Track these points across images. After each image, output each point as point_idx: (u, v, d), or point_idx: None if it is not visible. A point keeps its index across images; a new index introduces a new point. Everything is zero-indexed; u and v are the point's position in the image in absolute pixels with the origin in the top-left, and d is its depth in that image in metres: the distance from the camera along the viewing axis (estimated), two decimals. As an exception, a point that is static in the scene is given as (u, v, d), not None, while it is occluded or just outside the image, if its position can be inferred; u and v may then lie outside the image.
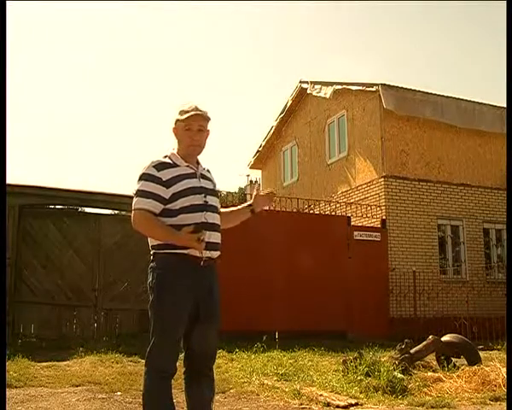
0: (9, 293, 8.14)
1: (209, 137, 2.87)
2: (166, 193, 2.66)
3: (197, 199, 2.70)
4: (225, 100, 58.12)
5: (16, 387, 5.09)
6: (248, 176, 18.41)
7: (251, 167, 17.86)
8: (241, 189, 24.38)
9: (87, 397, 4.75)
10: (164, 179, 2.66)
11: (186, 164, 2.77)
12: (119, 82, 58.05)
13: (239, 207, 3.11)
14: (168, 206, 2.66)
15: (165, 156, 2.78)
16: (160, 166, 2.70)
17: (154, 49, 56.54)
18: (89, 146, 54.30)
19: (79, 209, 10.71)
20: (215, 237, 2.76)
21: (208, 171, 2.94)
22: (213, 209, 2.78)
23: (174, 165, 2.74)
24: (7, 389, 4.47)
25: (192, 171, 2.77)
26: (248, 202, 3.06)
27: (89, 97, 54.34)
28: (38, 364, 6.28)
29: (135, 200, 2.68)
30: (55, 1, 47.13)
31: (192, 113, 2.73)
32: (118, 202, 9.39)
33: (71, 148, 52.75)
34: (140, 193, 2.67)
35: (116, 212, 10.57)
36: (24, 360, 6.28)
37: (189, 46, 59.27)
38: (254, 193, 3.04)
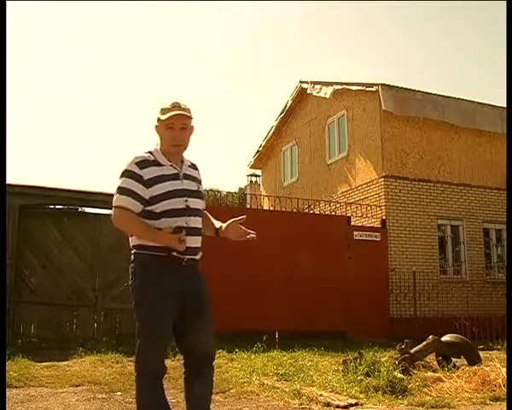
0: (9, 293, 8.14)
1: (193, 133, 2.80)
2: (146, 193, 2.62)
3: (178, 203, 2.65)
4: (225, 100, 58.17)
5: (16, 387, 5.08)
6: (249, 176, 18.39)
7: (251, 167, 17.87)
8: (241, 189, 24.35)
9: (87, 397, 4.74)
10: (145, 178, 2.63)
11: (170, 163, 2.72)
12: (119, 81, 58.09)
13: (213, 221, 2.95)
14: (149, 208, 2.63)
15: (149, 152, 2.73)
16: (143, 163, 2.66)
17: (154, 49, 56.59)
18: (89, 146, 54.34)
19: (79, 209, 10.70)
20: (196, 242, 2.72)
21: (194, 166, 2.88)
22: (195, 213, 2.73)
23: (157, 164, 2.69)
24: (7, 389, 4.47)
25: (175, 171, 2.72)
26: (220, 224, 2.90)
27: (89, 97, 54.39)
28: (38, 364, 6.28)
29: (115, 197, 2.65)
30: (55, 0, 47.15)
31: (174, 112, 2.67)
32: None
33: (71, 148, 52.80)
34: (120, 190, 2.64)
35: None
36: (24, 360, 6.28)
37: (188, 46, 59.30)
38: (231, 220, 2.87)
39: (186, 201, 2.69)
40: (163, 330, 2.63)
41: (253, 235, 2.88)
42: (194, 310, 2.68)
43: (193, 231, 2.68)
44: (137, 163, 2.65)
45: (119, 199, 2.63)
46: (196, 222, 2.73)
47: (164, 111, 2.69)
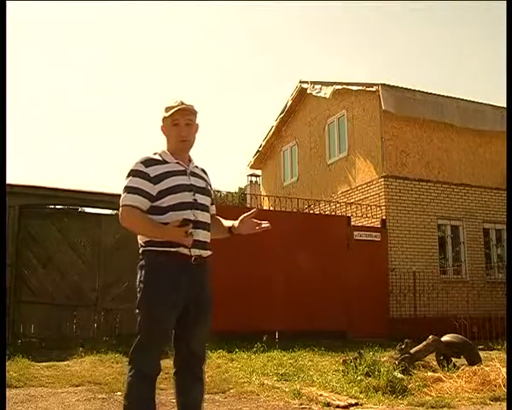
0: (9, 293, 8.14)
1: (198, 131, 2.81)
2: (153, 189, 2.62)
3: (186, 197, 2.65)
4: (225, 100, 58.17)
5: (16, 387, 5.09)
6: (249, 176, 18.40)
7: (251, 167, 17.87)
8: (241, 189, 24.36)
9: (87, 397, 4.75)
10: (151, 175, 2.63)
11: (176, 161, 2.72)
12: (119, 81, 58.09)
13: (224, 222, 2.94)
14: (156, 203, 2.62)
15: (155, 153, 2.75)
16: (148, 162, 2.67)
17: (154, 48, 56.58)
18: (89, 146, 54.33)
19: (79, 209, 10.71)
20: (204, 236, 2.69)
21: (203, 170, 2.88)
22: (203, 208, 2.72)
23: (163, 161, 2.69)
24: (7, 389, 4.47)
25: (182, 168, 2.72)
26: (232, 222, 2.88)
27: (89, 97, 54.38)
28: (38, 364, 6.29)
29: (122, 196, 2.66)
30: (54, 1, 47.17)
31: (178, 107, 2.69)
32: (118, 202, 9.39)
33: (71, 147, 52.78)
34: (127, 189, 2.64)
35: (116, 212, 10.55)
36: (24, 360, 6.29)
37: (189, 46, 59.32)
38: (243, 216, 2.85)
39: (194, 195, 2.68)
40: (165, 331, 2.61)
41: (266, 225, 2.86)
42: (196, 312, 2.65)
43: (201, 225, 2.66)
44: (143, 162, 2.66)
45: (127, 198, 2.63)
46: (204, 217, 2.71)
47: (168, 109, 2.71)
